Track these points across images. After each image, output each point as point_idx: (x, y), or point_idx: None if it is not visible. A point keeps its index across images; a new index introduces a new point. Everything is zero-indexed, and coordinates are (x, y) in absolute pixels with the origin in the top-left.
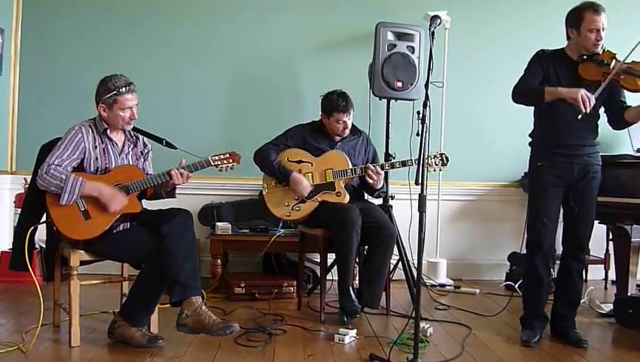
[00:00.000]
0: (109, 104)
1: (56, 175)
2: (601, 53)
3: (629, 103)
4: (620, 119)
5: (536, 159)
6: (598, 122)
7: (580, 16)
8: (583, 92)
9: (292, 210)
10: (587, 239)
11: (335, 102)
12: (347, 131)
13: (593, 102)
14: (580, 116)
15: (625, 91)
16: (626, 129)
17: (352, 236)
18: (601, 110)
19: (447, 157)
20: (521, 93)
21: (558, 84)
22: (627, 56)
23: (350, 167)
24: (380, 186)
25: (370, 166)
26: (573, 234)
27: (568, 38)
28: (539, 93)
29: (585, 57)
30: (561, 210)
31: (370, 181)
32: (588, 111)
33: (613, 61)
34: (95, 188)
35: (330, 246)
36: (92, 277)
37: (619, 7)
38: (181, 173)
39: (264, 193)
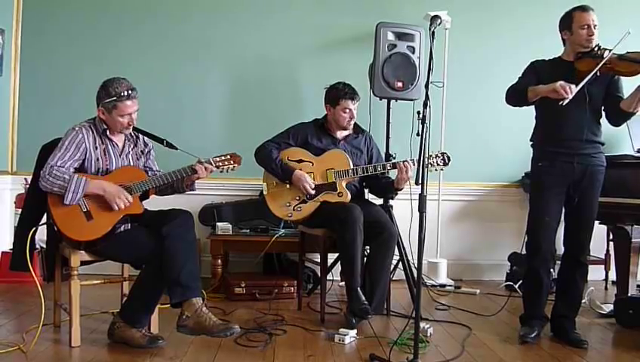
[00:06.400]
0: (109, 109)
1: (58, 175)
2: (595, 49)
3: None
4: (617, 111)
5: (537, 159)
6: (600, 121)
7: (570, 17)
8: (559, 83)
9: (293, 210)
10: (588, 240)
11: (341, 90)
12: (353, 122)
13: (574, 89)
14: (561, 103)
15: (622, 87)
16: (627, 129)
17: (355, 234)
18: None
19: (448, 157)
20: (510, 96)
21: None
22: (616, 45)
23: (351, 166)
24: (402, 186)
25: (401, 163)
26: (573, 235)
27: (564, 42)
28: (523, 94)
29: (580, 55)
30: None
31: (402, 177)
32: (569, 97)
33: (607, 52)
34: (99, 187)
35: (332, 246)
36: (92, 277)
37: (611, 6)
38: (205, 167)
39: (265, 193)
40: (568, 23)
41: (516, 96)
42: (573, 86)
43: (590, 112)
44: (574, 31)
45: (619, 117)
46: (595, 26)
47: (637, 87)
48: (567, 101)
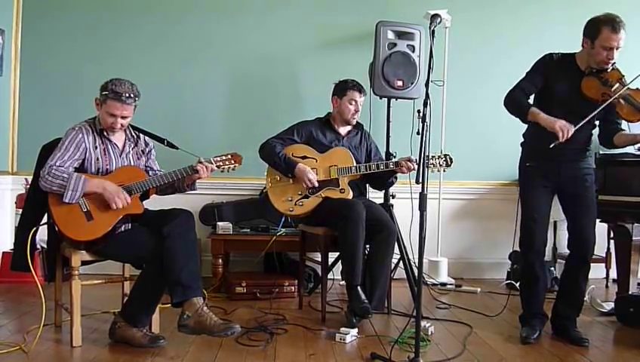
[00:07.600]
0: (100, 102)
1: (57, 174)
2: (609, 71)
3: (623, 127)
4: (610, 140)
5: (525, 160)
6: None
7: (597, 30)
8: (561, 123)
9: (295, 205)
10: (592, 240)
11: (350, 83)
12: (357, 116)
13: (572, 132)
14: (552, 145)
15: None
16: (628, 127)
17: (358, 231)
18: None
19: (451, 159)
20: (510, 104)
21: (557, 93)
22: (632, 81)
23: (354, 164)
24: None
25: (404, 164)
26: (577, 237)
27: (583, 46)
28: (523, 112)
29: (593, 71)
30: (562, 212)
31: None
32: (563, 140)
33: (617, 84)
34: (99, 185)
35: (332, 245)
36: (93, 277)
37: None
38: (206, 167)
39: (268, 187)
40: (593, 35)
41: (516, 110)
42: (572, 128)
43: (585, 130)
44: (596, 47)
45: (609, 144)
46: (618, 48)
47: (636, 135)
48: (557, 143)
